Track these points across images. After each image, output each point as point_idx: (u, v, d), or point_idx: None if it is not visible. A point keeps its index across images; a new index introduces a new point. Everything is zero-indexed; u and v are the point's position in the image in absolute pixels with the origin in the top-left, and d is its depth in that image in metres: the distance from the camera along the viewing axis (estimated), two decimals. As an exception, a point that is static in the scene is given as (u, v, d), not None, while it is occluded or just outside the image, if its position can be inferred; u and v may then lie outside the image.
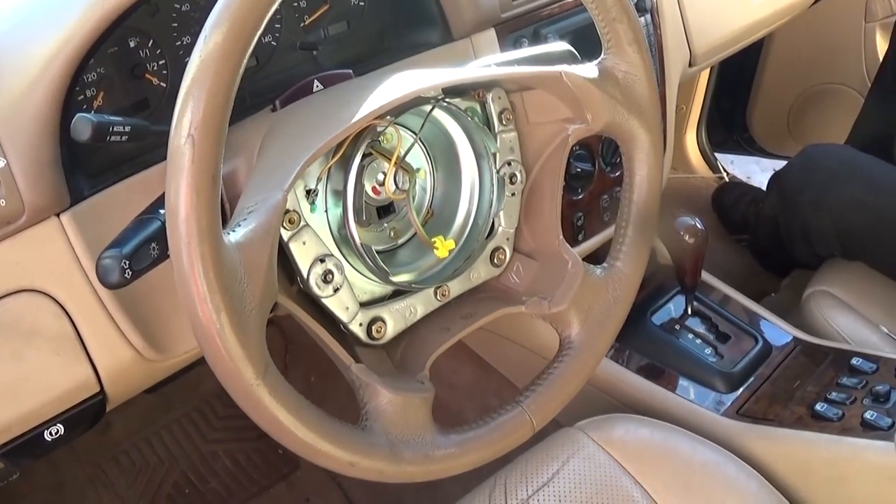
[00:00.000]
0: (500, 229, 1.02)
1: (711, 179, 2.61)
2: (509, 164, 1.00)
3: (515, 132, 1.01)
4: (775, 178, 1.95)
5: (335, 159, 0.87)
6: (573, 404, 1.32)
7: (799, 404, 1.35)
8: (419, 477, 0.87)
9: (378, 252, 0.94)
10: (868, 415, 1.26)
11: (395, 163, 0.91)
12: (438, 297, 0.99)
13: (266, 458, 1.91)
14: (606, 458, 1.23)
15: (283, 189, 0.77)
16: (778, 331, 1.55)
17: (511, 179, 1.01)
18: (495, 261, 1.03)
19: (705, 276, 1.63)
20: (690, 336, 1.50)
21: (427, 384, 0.91)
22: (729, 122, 2.66)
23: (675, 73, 1.59)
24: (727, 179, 2.60)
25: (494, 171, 0.99)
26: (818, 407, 1.31)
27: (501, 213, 1.01)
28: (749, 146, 2.66)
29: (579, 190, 1.43)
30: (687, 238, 1.42)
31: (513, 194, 1.01)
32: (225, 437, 1.93)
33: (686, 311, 1.53)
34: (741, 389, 1.43)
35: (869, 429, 1.25)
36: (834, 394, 1.34)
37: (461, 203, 1.01)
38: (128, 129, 0.89)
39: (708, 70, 2.46)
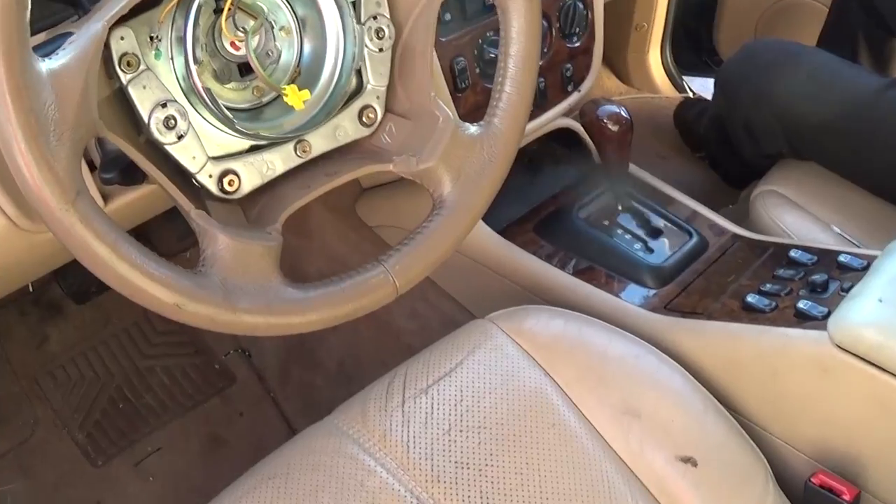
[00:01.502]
0: (369, 86, 0.97)
1: (676, 100, 2.53)
2: (375, 17, 0.95)
3: None
4: (717, 76, 1.87)
5: (174, 2, 0.83)
6: (491, 302, 1.28)
7: (732, 298, 1.27)
8: (260, 329, 0.83)
9: (242, 110, 0.92)
10: (802, 304, 1.18)
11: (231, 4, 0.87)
12: (299, 153, 0.93)
13: (202, 374, 1.90)
14: (515, 348, 1.16)
15: (104, 20, 0.76)
16: (717, 227, 1.47)
17: (378, 34, 0.96)
18: (364, 119, 0.97)
19: (642, 173, 1.56)
20: (619, 231, 1.42)
21: (275, 235, 0.86)
22: (696, 44, 2.56)
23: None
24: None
25: (353, 21, 0.94)
26: (749, 298, 1.23)
27: (369, 70, 0.96)
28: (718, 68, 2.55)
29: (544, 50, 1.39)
30: (610, 126, 1.35)
31: (380, 50, 0.96)
32: (162, 353, 1.91)
33: (617, 206, 1.46)
34: (671, 285, 1.35)
35: (803, 318, 1.17)
36: (768, 286, 1.26)
37: (327, 59, 0.95)
38: None
39: (668, -16, 2.35)
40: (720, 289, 1.32)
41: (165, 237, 1.96)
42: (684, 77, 2.57)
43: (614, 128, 1.35)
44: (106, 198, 1.05)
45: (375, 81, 0.97)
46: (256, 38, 0.92)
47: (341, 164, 0.96)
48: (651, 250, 1.40)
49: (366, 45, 0.95)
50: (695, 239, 1.42)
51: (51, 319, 1.90)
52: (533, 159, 1.57)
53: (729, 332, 1.22)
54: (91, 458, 1.74)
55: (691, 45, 2.57)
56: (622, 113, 1.36)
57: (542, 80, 1.44)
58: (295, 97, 0.91)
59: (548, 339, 1.18)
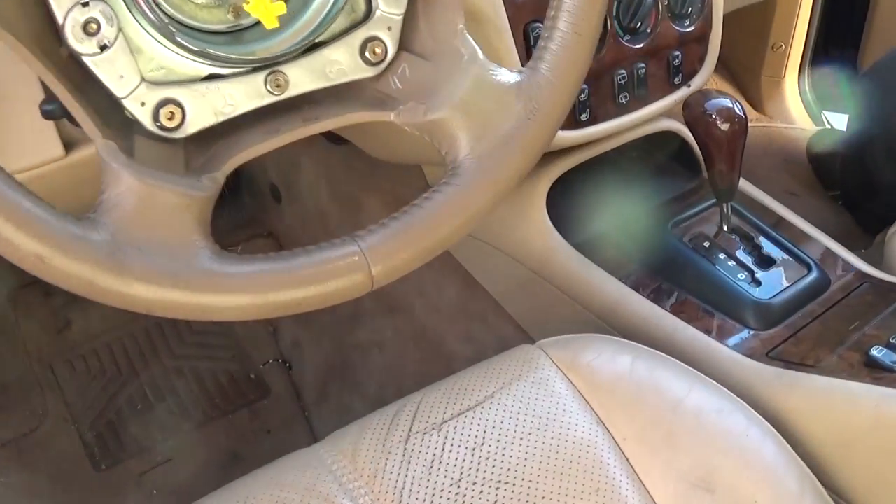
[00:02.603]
0: (378, 13, 0.74)
1: (811, 132, 2.24)
2: None
3: None
4: (858, 86, 1.60)
5: None
6: (560, 332, 1.03)
7: (852, 350, 1.00)
8: (157, 307, 0.61)
9: (217, 33, 0.73)
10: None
11: None
12: (270, 88, 0.72)
13: (234, 382, 1.73)
14: (565, 384, 0.90)
15: None
16: (842, 263, 1.19)
17: None
18: (368, 55, 0.75)
19: (755, 190, 1.28)
20: (722, 256, 1.14)
21: (207, 184, 0.64)
22: (838, 69, 2.27)
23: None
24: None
25: None
26: (874, 352, 0.96)
27: None
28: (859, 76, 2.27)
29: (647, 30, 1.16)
30: (720, 124, 1.08)
31: None
32: (194, 354, 1.75)
33: (721, 225, 1.18)
34: (779, 327, 1.07)
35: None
36: (901, 339, 0.99)
37: None
38: None
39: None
40: (839, 338, 1.04)
41: (220, 224, 1.78)
42: (824, 111, 2.29)
43: (724, 126, 1.08)
44: (69, 147, 0.85)
45: (388, 7, 0.74)
46: None
47: (326, 109, 0.74)
48: (758, 283, 1.12)
49: None
50: (814, 274, 1.14)
51: (77, 304, 1.73)
52: (625, 164, 1.31)
53: (844, 392, 0.94)
54: (95, 460, 1.57)
55: (833, 70, 2.27)
56: (736, 109, 1.09)
57: (642, 66, 1.18)
58: (263, 9, 0.69)
59: (609, 377, 0.92)
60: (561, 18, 0.72)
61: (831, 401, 0.94)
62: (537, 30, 1.07)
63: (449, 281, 1.39)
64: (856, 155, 1.56)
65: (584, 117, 1.14)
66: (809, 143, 2.13)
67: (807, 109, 2.29)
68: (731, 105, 1.09)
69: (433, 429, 0.86)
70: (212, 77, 0.70)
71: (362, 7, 0.74)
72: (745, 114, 1.10)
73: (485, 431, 0.86)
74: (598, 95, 1.15)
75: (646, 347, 0.96)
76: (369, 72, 0.75)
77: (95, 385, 1.65)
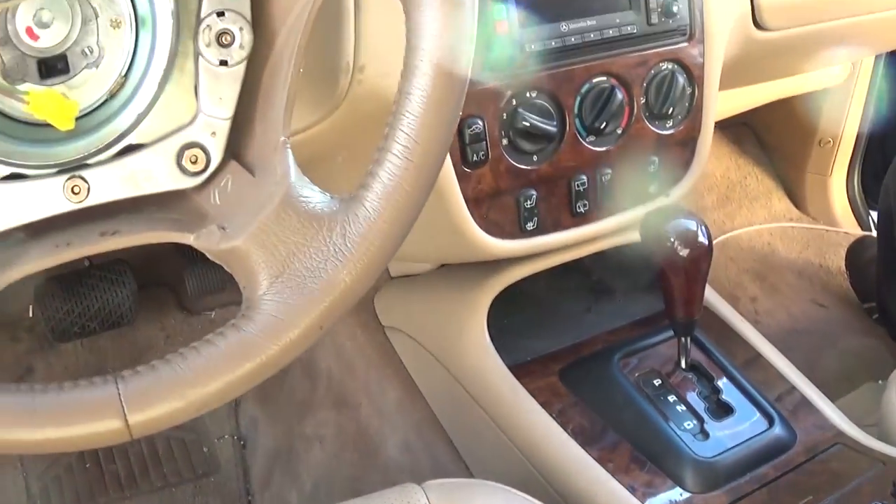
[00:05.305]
0: (202, 116, 0.64)
1: (855, 237, 2.10)
2: (222, 14, 0.64)
3: None
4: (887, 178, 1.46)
5: None
6: (489, 460, 0.92)
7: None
8: None
9: (25, 123, 0.64)
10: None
11: None
12: (68, 195, 0.63)
13: (186, 453, 1.65)
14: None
15: None
16: (816, 415, 1.05)
17: (221, 39, 0.64)
18: (185, 163, 0.65)
19: (731, 315, 1.16)
20: (672, 399, 1.01)
21: None
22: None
23: (720, 29, 1.10)
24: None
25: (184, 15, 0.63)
26: (817, 542, 0.82)
27: (204, 91, 0.64)
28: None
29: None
30: (679, 249, 0.95)
31: (223, 63, 0.64)
32: None
33: (678, 361, 1.05)
34: (718, 491, 0.95)
35: None
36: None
37: (151, 68, 0.65)
38: None
39: (865, 93, 1.98)
40: (786, 514, 0.90)
41: (190, 288, 1.70)
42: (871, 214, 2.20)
43: (684, 252, 0.95)
44: None
45: (212, 109, 0.64)
46: (68, 26, 0.63)
47: (129, 222, 0.65)
48: (706, 434, 0.99)
49: (199, 53, 0.63)
50: (776, 430, 1.00)
51: (41, 352, 1.67)
52: (595, 279, 1.18)
53: None
54: (35, 513, 1.51)
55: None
56: (700, 233, 0.96)
57: (608, 172, 1.05)
58: (53, 109, 0.59)
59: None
60: (394, 140, 0.60)
61: None
62: (476, 125, 0.96)
63: (392, 384, 1.29)
64: (889, 258, 1.49)
65: (530, 226, 1.02)
66: (850, 249, 2.02)
67: (853, 212, 2.18)
68: (694, 228, 0.97)
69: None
70: (13, 176, 0.62)
71: (189, 106, 0.65)
72: (709, 239, 0.98)
73: None
74: (549, 203, 1.03)
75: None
76: (186, 182, 0.65)
77: (47, 440, 1.59)
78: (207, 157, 0.65)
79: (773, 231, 2.09)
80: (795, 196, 2.18)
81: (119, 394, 0.57)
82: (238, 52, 0.64)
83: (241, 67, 0.64)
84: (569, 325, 1.14)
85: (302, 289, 0.61)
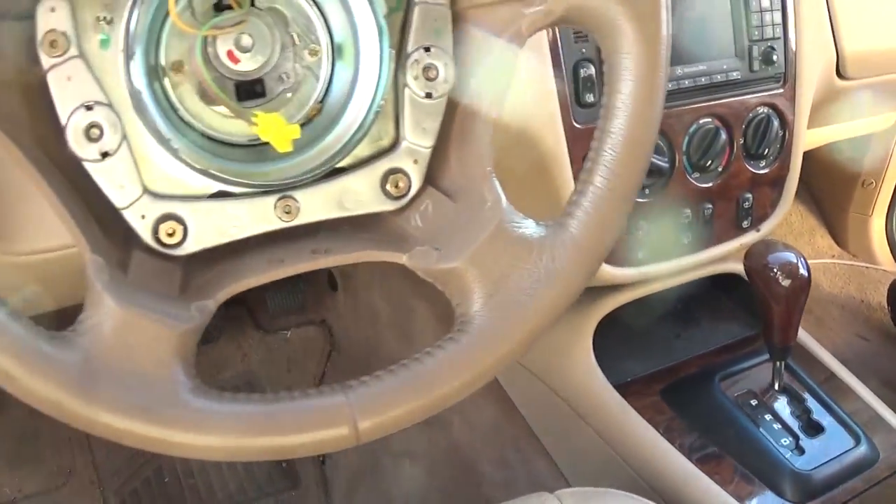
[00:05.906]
0: (405, 143, 0.69)
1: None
2: (429, 49, 0.69)
3: (446, 6, 0.69)
4: None
5: None
6: (593, 474, 0.98)
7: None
8: (126, 438, 0.56)
9: (236, 145, 0.68)
10: None
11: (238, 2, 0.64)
12: (280, 214, 0.67)
13: (265, 469, 1.68)
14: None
15: None
16: (893, 434, 1.12)
17: (427, 73, 0.69)
18: (389, 187, 0.70)
19: (816, 348, 1.23)
20: (768, 418, 1.08)
21: (196, 315, 0.60)
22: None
23: (810, 78, 1.19)
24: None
25: (387, 46, 0.67)
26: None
27: (407, 120, 0.69)
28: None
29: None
30: (781, 280, 1.03)
31: (428, 95, 0.69)
32: None
33: (772, 383, 1.12)
34: (816, 500, 1.02)
35: None
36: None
37: (354, 97, 0.69)
38: None
39: (910, 136, 2.02)
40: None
41: (271, 307, 1.76)
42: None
43: (785, 282, 1.03)
44: None
45: (415, 138, 0.69)
46: (268, 52, 0.67)
47: (338, 241, 0.70)
48: (802, 450, 1.06)
49: (406, 85, 0.69)
50: (862, 448, 1.07)
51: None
52: (681, 306, 1.25)
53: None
54: (114, 529, 1.53)
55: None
56: (800, 265, 1.03)
57: (709, 206, 1.14)
58: (275, 132, 0.65)
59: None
60: (597, 173, 0.67)
61: None
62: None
63: (487, 401, 1.34)
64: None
65: (640, 255, 1.10)
66: (892, 286, 2.05)
67: (892, 251, 2.20)
68: (794, 260, 1.04)
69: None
70: (220, 194, 0.66)
71: (390, 135, 0.70)
72: (808, 271, 1.05)
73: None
74: (651, 231, 1.11)
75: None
76: (389, 205, 0.70)
77: (126, 450, 1.60)
78: (409, 182, 0.69)
79: (815, 267, 2.14)
80: (838, 235, 2.22)
81: (349, 402, 0.61)
82: (442, 86, 0.69)
83: (444, 100, 0.69)
84: (662, 349, 1.21)
85: (515, 307, 0.66)
